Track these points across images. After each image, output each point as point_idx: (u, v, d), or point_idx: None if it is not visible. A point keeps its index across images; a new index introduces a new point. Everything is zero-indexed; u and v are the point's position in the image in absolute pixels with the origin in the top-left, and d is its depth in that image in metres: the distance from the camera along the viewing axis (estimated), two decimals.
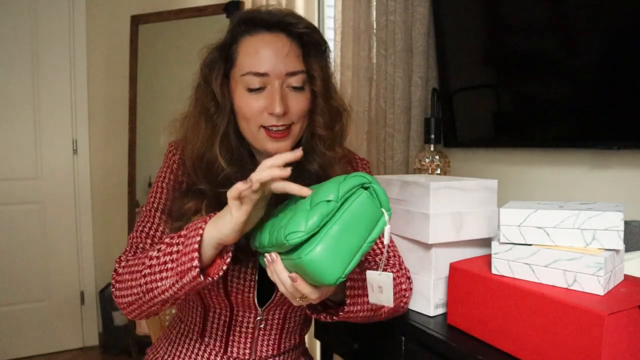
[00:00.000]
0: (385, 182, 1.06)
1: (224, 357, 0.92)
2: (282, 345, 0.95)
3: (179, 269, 0.72)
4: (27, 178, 2.67)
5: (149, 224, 0.89)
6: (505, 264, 0.80)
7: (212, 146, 0.83)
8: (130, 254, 0.86)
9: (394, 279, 0.88)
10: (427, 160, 1.45)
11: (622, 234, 0.73)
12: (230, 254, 0.74)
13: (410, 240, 0.99)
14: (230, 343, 0.92)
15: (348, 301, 0.78)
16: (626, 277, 0.80)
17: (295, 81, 0.82)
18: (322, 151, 0.87)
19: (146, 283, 0.76)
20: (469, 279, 0.85)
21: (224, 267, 0.73)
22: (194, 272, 0.70)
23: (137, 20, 2.57)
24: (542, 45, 1.21)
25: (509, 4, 1.29)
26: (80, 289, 2.82)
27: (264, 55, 0.80)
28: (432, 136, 1.49)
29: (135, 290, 0.78)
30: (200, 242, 0.71)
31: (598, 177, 1.18)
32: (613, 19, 1.07)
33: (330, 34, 2.16)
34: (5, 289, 2.64)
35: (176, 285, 0.73)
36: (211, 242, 0.71)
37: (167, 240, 0.76)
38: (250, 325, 0.91)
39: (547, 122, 1.23)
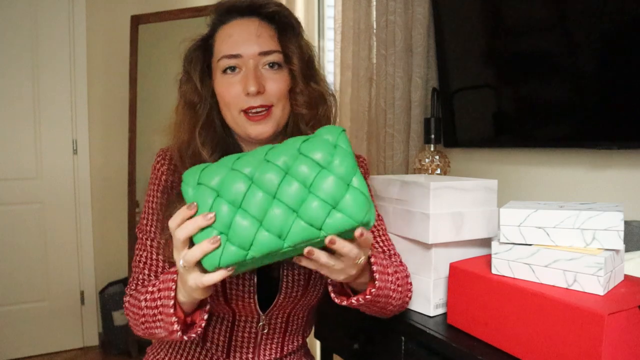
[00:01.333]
0: (385, 182, 1.06)
1: None
2: (285, 348, 0.95)
3: (166, 327, 0.74)
4: (27, 178, 2.67)
5: (145, 254, 0.89)
6: (505, 264, 0.80)
7: (194, 136, 0.84)
8: (133, 286, 0.88)
9: (401, 271, 0.89)
10: (427, 160, 1.45)
11: (622, 234, 0.73)
12: (206, 310, 0.76)
13: (410, 240, 0.99)
14: (232, 348, 0.91)
15: (377, 276, 0.77)
16: (626, 277, 0.80)
17: (270, 60, 0.82)
18: (306, 131, 0.85)
19: (146, 328, 0.79)
20: (469, 279, 0.85)
21: (203, 324, 0.75)
22: (177, 335, 0.73)
23: (137, 20, 2.57)
24: (542, 45, 1.21)
25: (509, 4, 1.29)
26: (80, 289, 2.82)
27: (236, 38, 0.82)
28: (432, 136, 1.49)
29: (140, 329, 0.82)
30: (175, 305, 0.73)
31: (598, 177, 1.18)
32: (613, 19, 1.06)
33: (330, 34, 2.16)
34: (5, 289, 2.64)
35: (169, 337, 0.76)
36: (187, 302, 0.73)
37: (150, 288, 0.79)
38: (253, 330, 0.90)
39: (547, 122, 1.23)
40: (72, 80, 2.73)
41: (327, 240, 0.63)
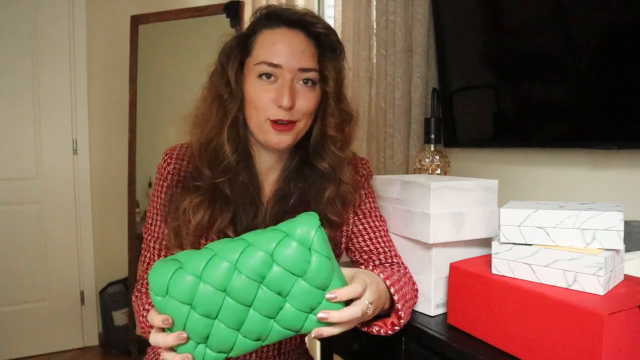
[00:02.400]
0: (385, 182, 1.06)
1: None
2: (283, 346, 0.95)
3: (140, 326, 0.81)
4: (27, 178, 2.67)
5: (148, 254, 0.92)
6: (506, 264, 0.80)
7: (221, 131, 0.85)
8: (139, 286, 0.92)
9: (407, 279, 0.90)
10: (427, 160, 1.45)
11: (622, 234, 0.73)
12: None
13: (410, 240, 0.99)
14: None
15: (400, 306, 0.80)
16: (626, 277, 0.80)
17: (306, 76, 0.83)
18: (333, 151, 0.88)
19: (143, 334, 0.82)
20: (469, 279, 0.85)
21: None
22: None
23: (137, 20, 2.57)
24: (542, 45, 1.21)
25: (509, 4, 1.29)
26: (80, 289, 2.82)
27: (280, 48, 0.82)
28: (432, 136, 1.49)
29: (139, 330, 0.86)
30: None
31: (598, 177, 1.18)
32: (613, 19, 1.07)
33: None
34: (5, 289, 2.64)
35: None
36: None
37: (143, 312, 0.84)
38: None
39: (547, 122, 1.23)
40: (72, 80, 2.73)
41: (313, 334, 0.66)
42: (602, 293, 0.70)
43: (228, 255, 0.65)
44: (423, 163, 1.46)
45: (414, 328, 0.93)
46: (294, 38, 0.83)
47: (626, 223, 0.99)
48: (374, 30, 1.66)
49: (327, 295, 0.65)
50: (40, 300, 2.72)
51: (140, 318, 0.84)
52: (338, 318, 0.65)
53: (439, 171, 1.45)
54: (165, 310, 0.65)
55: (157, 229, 0.90)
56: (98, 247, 2.84)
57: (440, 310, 0.97)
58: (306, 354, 1.05)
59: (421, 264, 0.97)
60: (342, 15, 1.79)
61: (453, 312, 0.89)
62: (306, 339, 1.08)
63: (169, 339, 0.64)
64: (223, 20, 2.33)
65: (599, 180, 1.17)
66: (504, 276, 0.80)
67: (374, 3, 1.66)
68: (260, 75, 0.83)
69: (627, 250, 0.97)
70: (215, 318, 0.64)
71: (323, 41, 0.86)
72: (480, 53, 1.38)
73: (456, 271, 0.88)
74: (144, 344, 2.55)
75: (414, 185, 0.96)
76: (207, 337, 0.65)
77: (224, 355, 0.66)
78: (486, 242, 1.02)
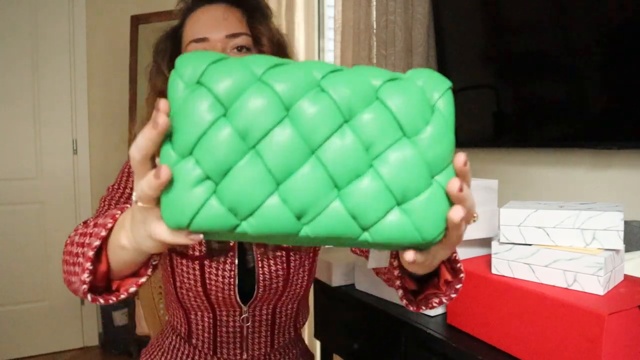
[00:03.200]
0: None
1: (214, 358, 0.89)
2: (276, 341, 0.92)
3: (79, 273, 0.54)
4: (27, 178, 2.67)
5: (114, 195, 0.86)
6: (505, 264, 0.80)
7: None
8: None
9: None
10: None
11: (622, 234, 0.73)
12: (149, 270, 0.55)
13: None
14: (218, 344, 0.88)
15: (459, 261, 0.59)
16: (626, 277, 0.80)
17: (238, 43, 0.80)
18: None
19: (65, 272, 0.61)
20: (469, 279, 0.85)
21: (132, 289, 0.55)
22: (82, 289, 0.53)
23: (137, 20, 2.57)
24: (542, 45, 1.21)
25: (509, 4, 1.29)
26: None
27: (203, 21, 0.81)
28: None
29: (64, 272, 0.62)
30: (102, 250, 0.54)
31: (598, 177, 1.18)
32: (613, 19, 1.06)
33: (330, 34, 2.16)
34: (5, 289, 2.64)
35: (80, 292, 0.55)
36: (134, 253, 0.50)
37: (90, 224, 0.59)
38: (237, 324, 0.87)
39: (547, 122, 1.23)
40: (72, 80, 2.73)
41: (408, 257, 0.43)
42: (602, 293, 0.70)
43: (313, 69, 0.40)
44: None
45: (414, 328, 0.93)
46: (216, 10, 0.81)
47: (626, 223, 0.99)
48: (374, 30, 1.66)
49: (453, 181, 0.40)
50: (40, 300, 2.72)
51: (76, 238, 0.59)
52: (469, 198, 0.42)
53: None
54: (181, 105, 0.39)
55: (120, 190, 0.87)
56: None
57: (440, 310, 0.97)
58: (307, 353, 1.04)
59: None
60: (342, 15, 1.79)
61: (453, 312, 0.89)
62: (306, 337, 1.06)
63: (146, 129, 0.39)
64: None
65: (599, 180, 1.17)
66: (504, 276, 0.80)
67: (374, 3, 1.66)
68: None
69: (627, 250, 0.97)
70: (254, 147, 0.38)
71: (247, 4, 0.84)
72: (480, 53, 1.38)
73: None
74: (144, 344, 2.55)
75: None
76: (225, 175, 0.38)
77: (232, 222, 0.39)
78: (486, 242, 1.02)
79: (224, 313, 0.86)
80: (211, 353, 0.89)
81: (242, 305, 0.85)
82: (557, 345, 0.69)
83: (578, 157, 1.22)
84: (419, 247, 0.43)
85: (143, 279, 0.55)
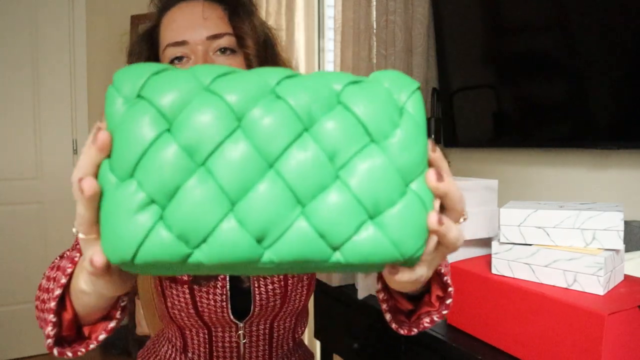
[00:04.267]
0: None
1: None
2: (275, 354, 0.88)
3: (44, 330, 0.50)
4: (27, 178, 2.67)
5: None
6: (505, 264, 0.80)
7: None
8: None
9: None
10: None
11: (622, 234, 0.73)
12: (118, 313, 0.50)
13: None
14: (215, 359, 0.84)
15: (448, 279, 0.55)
16: (626, 277, 0.80)
17: (221, 44, 0.72)
18: None
19: (37, 318, 0.56)
20: (469, 279, 0.85)
21: (101, 337, 0.50)
22: (48, 343, 0.49)
23: (137, 20, 2.57)
24: (542, 45, 1.21)
25: (509, 4, 1.29)
26: None
27: (180, 23, 0.72)
28: (432, 136, 1.49)
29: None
30: (64, 297, 0.49)
31: (598, 177, 1.18)
32: (613, 19, 1.06)
33: (330, 34, 2.16)
34: (5, 289, 2.64)
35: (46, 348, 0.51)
36: (96, 297, 0.45)
37: (56, 267, 0.56)
38: (234, 340, 0.83)
39: (547, 122, 1.23)
40: (72, 80, 2.73)
41: (394, 277, 0.39)
42: (602, 293, 0.70)
43: (266, 76, 0.36)
44: None
45: None
46: (194, 8, 0.73)
47: (626, 223, 0.99)
48: (374, 30, 1.66)
49: (431, 173, 0.37)
50: None
51: (44, 282, 0.56)
52: (453, 186, 0.38)
53: None
54: (119, 122, 0.34)
55: None
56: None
57: None
58: (306, 354, 1.00)
59: None
60: (342, 15, 1.79)
61: (453, 312, 0.89)
62: (306, 336, 1.05)
63: (89, 149, 0.35)
64: None
65: (599, 180, 1.17)
66: (504, 276, 0.80)
67: (374, 3, 1.66)
68: (172, 62, 0.72)
69: (627, 250, 0.97)
70: (204, 163, 0.34)
71: (229, 2, 0.75)
72: (480, 53, 1.38)
73: (456, 271, 0.88)
74: (143, 344, 2.55)
75: None
76: (172, 198, 0.33)
77: (184, 251, 0.33)
78: (486, 242, 1.02)
79: (220, 330, 0.82)
80: None
81: (238, 322, 0.81)
82: (557, 345, 0.69)
83: (578, 157, 1.22)
84: (401, 264, 0.38)
85: (113, 324, 0.50)
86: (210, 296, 0.77)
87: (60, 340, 0.50)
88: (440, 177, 0.37)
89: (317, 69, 2.16)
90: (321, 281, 1.27)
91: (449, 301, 0.55)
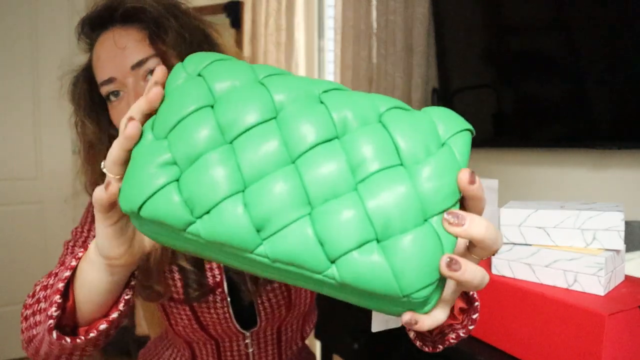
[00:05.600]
0: None
1: None
2: (284, 355, 0.88)
3: (44, 314, 0.50)
4: (26, 178, 2.67)
5: (78, 240, 0.76)
6: (506, 264, 0.80)
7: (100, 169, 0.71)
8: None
9: None
10: None
11: (622, 234, 0.73)
12: (121, 305, 0.51)
13: None
14: None
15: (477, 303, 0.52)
16: (627, 277, 0.80)
17: (148, 68, 0.67)
18: None
19: (26, 329, 0.56)
20: None
21: (102, 326, 0.51)
22: (48, 325, 0.48)
23: None
24: (542, 45, 1.21)
25: (509, 4, 1.29)
26: None
27: (103, 59, 0.69)
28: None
29: (22, 337, 0.57)
30: (72, 276, 0.50)
31: (598, 177, 1.17)
32: (613, 19, 1.06)
33: (330, 34, 2.16)
34: (5, 289, 2.64)
35: (44, 344, 0.51)
36: (99, 267, 0.46)
37: (56, 270, 0.57)
38: (242, 348, 0.82)
39: (547, 122, 1.23)
40: None
41: (405, 319, 0.35)
42: (602, 293, 0.70)
43: (314, 83, 0.38)
44: None
45: None
46: (109, 40, 0.68)
47: (627, 223, 0.99)
48: (374, 30, 1.66)
49: (447, 216, 0.34)
50: None
51: (37, 288, 0.56)
52: (481, 230, 0.34)
53: None
54: (174, 91, 0.38)
55: (85, 232, 0.78)
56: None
57: None
58: (306, 350, 1.00)
59: None
60: (342, 15, 1.79)
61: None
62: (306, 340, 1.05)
63: (140, 100, 0.39)
64: (223, 20, 2.33)
65: (599, 180, 1.17)
66: (504, 276, 0.80)
67: (374, 3, 1.66)
68: (108, 98, 0.70)
69: (628, 250, 0.97)
70: (231, 142, 0.35)
71: (142, 18, 0.68)
72: (480, 53, 1.38)
73: None
74: (143, 344, 2.55)
75: None
76: (194, 161, 0.35)
77: (185, 218, 0.34)
78: None
79: (227, 340, 0.81)
80: None
81: (245, 332, 0.80)
82: (558, 345, 0.69)
83: (578, 157, 1.22)
84: (397, 303, 0.34)
85: (114, 315, 0.51)
86: (212, 310, 0.76)
87: (57, 327, 0.50)
88: (456, 218, 0.33)
89: (317, 68, 2.16)
90: None
91: (475, 315, 0.51)
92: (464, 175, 0.34)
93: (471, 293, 0.51)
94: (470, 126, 0.37)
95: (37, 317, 0.53)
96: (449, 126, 0.36)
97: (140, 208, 0.35)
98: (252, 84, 0.37)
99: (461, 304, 0.53)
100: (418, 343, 0.56)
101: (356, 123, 0.36)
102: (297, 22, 2.07)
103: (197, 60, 0.39)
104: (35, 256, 2.69)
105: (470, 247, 0.36)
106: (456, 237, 0.34)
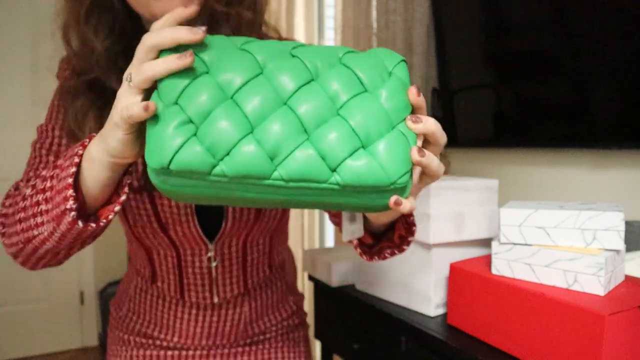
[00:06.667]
0: None
1: (181, 302, 0.79)
2: (250, 280, 0.81)
3: (54, 212, 0.54)
4: None
5: (45, 142, 0.73)
6: (506, 264, 0.80)
7: (80, 16, 0.66)
8: (12, 188, 0.69)
9: None
10: None
11: (622, 234, 0.73)
12: (126, 188, 0.55)
13: None
14: (185, 286, 0.78)
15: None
16: (627, 277, 0.80)
17: None
18: (240, 12, 0.66)
19: (23, 231, 0.59)
20: (469, 279, 0.85)
21: (116, 208, 0.55)
22: (69, 218, 0.53)
23: None
24: (542, 45, 1.21)
25: (509, 4, 1.29)
26: (80, 289, 2.82)
27: None
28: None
29: (14, 240, 0.61)
30: (78, 172, 0.53)
31: (598, 177, 1.18)
32: (613, 19, 1.06)
33: (330, 34, 2.16)
34: (5, 289, 2.64)
35: (55, 235, 0.56)
36: (103, 165, 0.51)
37: (43, 172, 0.58)
38: (204, 264, 0.77)
39: (547, 122, 1.23)
40: None
41: (392, 201, 0.45)
42: (602, 293, 0.70)
43: (282, 44, 0.47)
44: None
45: (414, 328, 0.93)
46: None
47: (626, 223, 0.99)
48: (374, 30, 1.66)
49: (409, 118, 0.45)
50: (40, 301, 2.72)
51: (28, 191, 0.59)
52: (432, 125, 0.46)
53: None
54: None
55: (57, 120, 0.74)
56: (98, 247, 2.84)
57: (440, 311, 0.97)
58: (301, 321, 0.92)
59: (421, 264, 0.97)
60: (342, 15, 1.79)
61: (453, 312, 0.89)
62: (309, 335, 1.02)
63: (182, 56, 0.43)
64: None
65: (599, 180, 1.17)
66: (504, 276, 0.80)
67: (374, 3, 1.66)
68: None
69: (628, 250, 0.97)
70: (232, 97, 0.44)
71: None
72: (480, 53, 1.38)
73: (456, 271, 0.88)
74: None
75: None
76: (206, 117, 0.43)
77: (210, 162, 0.42)
78: (486, 242, 1.02)
79: (189, 252, 0.77)
80: (178, 296, 0.79)
81: (208, 241, 0.76)
82: (558, 345, 0.69)
83: (578, 157, 1.22)
84: (386, 191, 0.45)
85: (123, 197, 0.55)
86: (173, 203, 0.72)
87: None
88: (417, 120, 0.45)
89: None
90: (321, 281, 1.27)
91: (410, 238, 0.61)
92: (413, 90, 0.46)
93: (411, 219, 0.60)
94: (403, 57, 0.49)
95: (39, 219, 0.57)
96: (390, 60, 0.48)
97: (170, 163, 0.42)
98: (235, 50, 0.45)
99: (402, 232, 0.62)
100: (359, 251, 0.64)
101: (324, 67, 0.46)
102: (297, 22, 2.07)
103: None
104: None
105: (425, 144, 0.48)
106: (417, 133, 0.46)
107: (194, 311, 0.80)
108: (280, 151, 0.43)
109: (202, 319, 0.81)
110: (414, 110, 0.47)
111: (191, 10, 0.49)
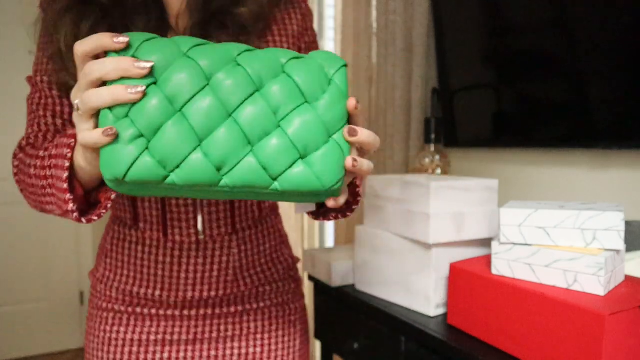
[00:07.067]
0: (385, 182, 1.06)
1: (163, 243, 0.75)
2: (238, 219, 0.78)
3: (59, 203, 0.57)
4: None
5: (35, 96, 0.72)
6: (506, 264, 0.80)
7: None
8: (23, 143, 0.70)
9: None
10: (427, 160, 1.45)
11: (622, 234, 0.73)
12: (112, 193, 0.57)
13: (410, 240, 0.99)
14: (169, 223, 0.74)
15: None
16: (627, 277, 0.80)
17: None
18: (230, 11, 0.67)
19: (38, 203, 0.62)
20: (469, 279, 0.85)
21: (108, 205, 0.57)
22: (72, 216, 0.56)
23: None
24: (542, 45, 1.21)
25: (509, 4, 1.29)
26: (80, 289, 2.82)
27: None
28: (432, 136, 1.49)
29: (31, 201, 0.65)
30: (71, 178, 0.55)
31: (598, 177, 1.18)
32: (613, 19, 1.06)
33: (330, 34, 2.16)
34: (5, 289, 2.64)
35: (65, 216, 0.59)
36: (89, 167, 0.53)
37: (40, 153, 0.60)
38: (189, 201, 0.74)
39: (547, 122, 1.23)
40: None
41: (329, 204, 0.51)
42: (602, 293, 0.70)
43: (230, 48, 0.48)
44: (423, 163, 1.45)
45: (414, 328, 0.93)
46: None
47: (626, 223, 0.99)
48: (374, 30, 1.66)
49: (346, 130, 0.49)
50: (39, 301, 2.72)
51: (32, 171, 0.61)
52: (366, 137, 0.49)
53: (439, 171, 1.45)
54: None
55: (44, 66, 0.72)
56: (97, 247, 2.84)
57: (440, 311, 0.97)
58: (294, 276, 0.87)
59: (421, 264, 0.97)
60: (342, 15, 1.79)
61: (453, 312, 0.89)
62: (310, 333, 1.01)
63: (127, 64, 0.44)
64: None
65: (599, 180, 1.17)
66: (504, 276, 0.80)
67: (374, 3, 1.66)
68: None
69: (628, 250, 0.97)
70: (180, 110, 0.45)
71: None
72: (480, 53, 1.38)
73: (456, 271, 0.88)
74: None
75: (414, 185, 0.96)
76: (157, 131, 0.45)
77: (161, 173, 0.45)
78: (486, 242, 1.02)
79: None
80: (161, 235, 0.75)
81: None
82: (558, 345, 0.69)
83: (578, 157, 1.22)
84: (321, 194, 0.49)
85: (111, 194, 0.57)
86: None
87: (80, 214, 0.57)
88: (353, 132, 0.48)
89: None
90: (321, 281, 1.27)
91: (355, 207, 0.65)
92: (352, 102, 0.49)
93: (358, 190, 0.64)
94: (344, 61, 0.51)
95: (49, 202, 0.60)
96: (331, 65, 0.50)
97: (125, 175, 0.45)
98: (181, 58, 0.46)
99: (349, 198, 0.65)
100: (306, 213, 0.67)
101: (268, 76, 0.48)
102: None
103: (130, 42, 0.46)
104: (35, 256, 2.70)
105: (359, 151, 0.52)
106: (353, 144, 0.49)
107: (176, 253, 0.75)
108: (226, 162, 0.46)
109: (187, 261, 0.75)
110: (350, 119, 0.50)
111: (118, 46, 0.46)
